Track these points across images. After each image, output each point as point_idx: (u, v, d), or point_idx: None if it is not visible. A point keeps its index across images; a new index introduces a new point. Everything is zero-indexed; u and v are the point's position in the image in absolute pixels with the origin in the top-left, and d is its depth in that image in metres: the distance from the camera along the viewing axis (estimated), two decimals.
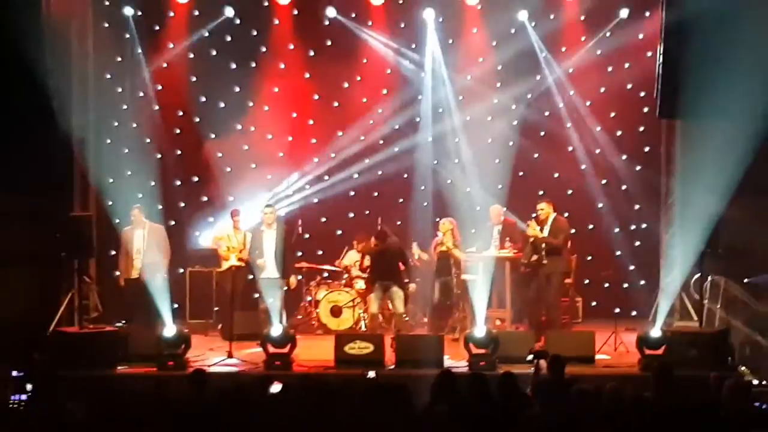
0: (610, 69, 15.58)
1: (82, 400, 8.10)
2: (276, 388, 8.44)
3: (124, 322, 13.27)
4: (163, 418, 7.77)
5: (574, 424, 7.34)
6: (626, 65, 15.52)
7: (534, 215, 13.77)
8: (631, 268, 15.56)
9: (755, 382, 10.74)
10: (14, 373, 9.43)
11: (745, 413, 7.68)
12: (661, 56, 10.68)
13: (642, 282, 15.31)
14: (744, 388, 8.22)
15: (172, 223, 15.40)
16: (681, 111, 10.75)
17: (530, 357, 9.83)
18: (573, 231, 14.08)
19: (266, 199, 15.22)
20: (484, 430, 7.40)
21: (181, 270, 15.02)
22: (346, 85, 16.16)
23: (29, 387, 8.89)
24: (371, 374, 10.04)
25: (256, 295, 14.00)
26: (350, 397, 8.12)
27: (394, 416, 7.49)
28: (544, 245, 13.33)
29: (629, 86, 15.50)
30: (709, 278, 13.14)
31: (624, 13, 15.30)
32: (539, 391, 8.89)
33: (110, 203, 14.77)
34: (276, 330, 12.11)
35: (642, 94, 15.19)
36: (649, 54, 14.57)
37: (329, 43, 16.08)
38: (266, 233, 13.57)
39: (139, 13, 15.49)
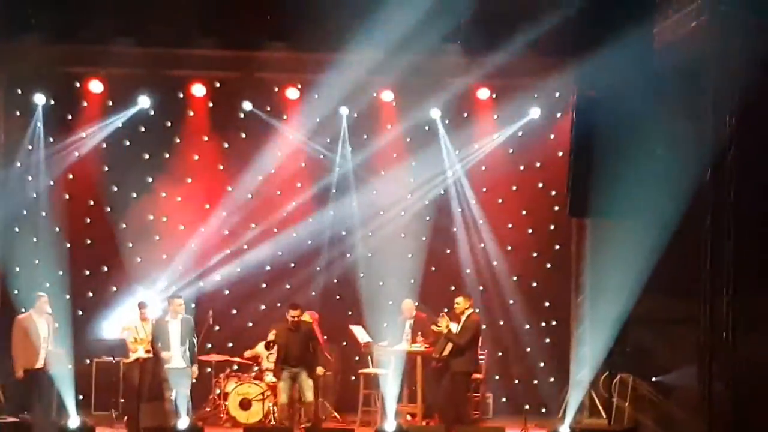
0: (522, 167, 15.92)
1: None
2: None
3: (26, 412, 12.85)
4: None
5: None
6: (537, 164, 15.88)
7: (446, 310, 13.88)
8: (542, 364, 15.70)
9: None
10: None
11: None
12: (572, 156, 10.94)
13: (552, 379, 15.46)
14: None
15: (80, 312, 15.17)
16: (590, 210, 10.97)
17: None
18: (484, 327, 14.19)
19: (175, 288, 15.10)
20: None
21: (87, 361, 14.71)
22: (259, 177, 16.16)
23: None
24: None
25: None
26: None
27: None
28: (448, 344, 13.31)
29: (540, 185, 15.84)
30: (618, 376, 13.32)
31: (535, 113, 15.60)
32: None
33: (16, 292, 14.48)
34: (183, 422, 11.92)
35: (553, 192, 15.51)
36: (560, 154, 14.97)
37: (244, 135, 16.12)
38: (171, 323, 13.31)
39: (51, 102, 15.36)
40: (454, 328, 13.39)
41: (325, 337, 14.61)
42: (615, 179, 10.47)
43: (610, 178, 10.47)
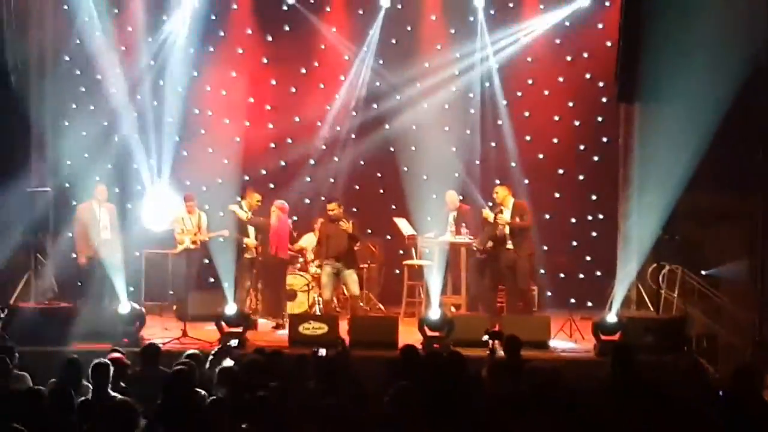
0: (569, 58, 15.66)
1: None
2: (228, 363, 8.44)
3: (79, 299, 13.11)
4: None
5: (527, 401, 7.31)
6: (585, 54, 15.59)
7: (490, 204, 13.89)
8: (588, 258, 15.67)
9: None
10: None
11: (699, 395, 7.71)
12: (621, 41, 10.76)
13: (598, 273, 15.40)
14: (699, 370, 8.24)
15: (129, 205, 15.32)
16: (640, 95, 10.84)
17: (485, 337, 9.85)
18: None
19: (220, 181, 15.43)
20: (438, 408, 7.36)
21: (137, 253, 14.92)
22: (303, 71, 16.15)
23: None
24: (322, 351, 10.04)
25: (212, 280, 14.09)
26: (302, 371, 8.16)
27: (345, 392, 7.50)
28: (508, 230, 13.33)
29: (588, 76, 15.59)
30: (666, 267, 13.25)
31: (583, 0, 15.31)
32: (494, 372, 8.90)
33: (67, 185, 14.66)
34: (231, 309, 12.11)
35: (601, 84, 15.28)
36: (609, 44, 14.71)
37: (287, 28, 16.04)
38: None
39: None
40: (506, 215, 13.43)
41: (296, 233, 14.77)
42: (664, 65, 10.34)
43: (660, 63, 10.34)
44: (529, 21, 15.71)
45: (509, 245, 13.45)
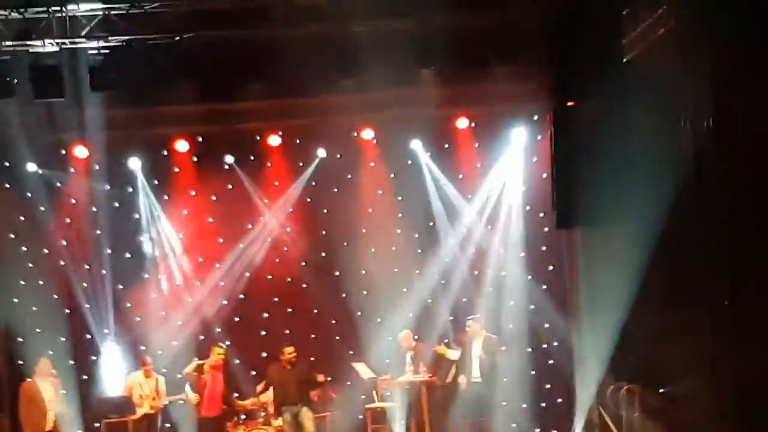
0: (507, 193, 16.03)
1: None
2: None
3: None
4: None
5: None
6: (523, 188, 16.00)
7: (445, 340, 14.05)
8: (548, 386, 15.74)
9: None
10: None
11: None
12: (554, 169, 11.08)
13: (559, 400, 15.45)
14: None
15: (84, 377, 15.22)
16: (577, 220, 11.11)
17: None
18: None
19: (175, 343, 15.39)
20: None
21: (96, 424, 14.74)
22: (249, 226, 16.33)
23: None
24: None
25: None
26: None
27: None
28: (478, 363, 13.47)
29: (528, 207, 15.96)
30: (624, 387, 13.33)
31: (517, 137, 15.79)
32: None
33: (21, 362, 14.56)
34: None
35: (541, 214, 15.60)
36: (544, 175, 15.14)
37: (230, 186, 16.28)
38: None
39: (40, 171, 15.52)
40: (454, 354, 13.59)
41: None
42: (598, 188, 10.60)
43: (594, 187, 10.61)
44: (465, 160, 16.13)
45: (477, 378, 13.53)
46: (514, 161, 15.91)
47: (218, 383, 14.03)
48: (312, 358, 15.22)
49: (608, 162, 10.62)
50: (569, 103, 10.84)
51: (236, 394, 14.80)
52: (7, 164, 15.26)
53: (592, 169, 10.68)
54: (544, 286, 15.94)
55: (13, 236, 15.28)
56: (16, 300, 14.99)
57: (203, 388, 13.91)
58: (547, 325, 15.88)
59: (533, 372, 15.83)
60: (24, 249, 15.42)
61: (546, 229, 15.59)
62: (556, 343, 15.75)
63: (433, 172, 16.14)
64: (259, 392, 14.46)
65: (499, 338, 15.14)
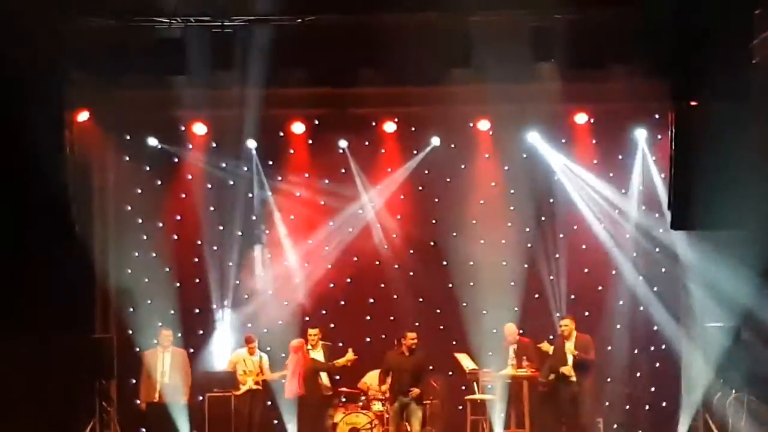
0: (623, 191, 15.79)
1: None
2: None
3: None
4: None
5: None
6: (640, 188, 15.73)
7: (550, 337, 13.93)
8: (652, 389, 15.50)
9: None
10: None
11: None
12: (672, 168, 10.85)
13: (664, 403, 15.19)
14: None
15: (191, 350, 15.50)
16: (694, 222, 10.85)
17: None
18: None
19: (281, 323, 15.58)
20: None
21: (201, 397, 15.03)
22: (360, 211, 16.40)
23: None
24: None
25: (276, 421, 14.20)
26: None
27: None
28: (571, 362, 13.33)
29: (643, 208, 15.69)
30: (732, 395, 13.08)
31: (638, 135, 15.55)
32: None
33: (130, 332, 14.92)
34: None
35: (656, 215, 15.36)
36: (663, 176, 14.92)
37: (343, 171, 16.39)
38: (312, 353, 14.21)
39: (159, 145, 15.83)
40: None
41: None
42: (717, 191, 10.35)
43: (712, 189, 10.36)
44: (581, 156, 15.93)
45: (572, 378, 13.47)
46: (633, 160, 15.59)
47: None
48: None
49: (729, 165, 10.36)
50: (692, 104, 10.59)
51: (338, 377, 14.99)
52: (128, 137, 15.58)
53: (712, 172, 10.42)
54: (655, 288, 15.63)
55: (129, 208, 15.59)
56: (129, 271, 15.32)
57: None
58: (655, 328, 15.60)
59: (639, 374, 15.60)
60: (139, 221, 15.72)
61: (661, 231, 15.29)
62: (663, 347, 15.47)
63: (550, 165, 15.92)
64: (380, 379, 14.54)
65: (609, 338, 14.99)
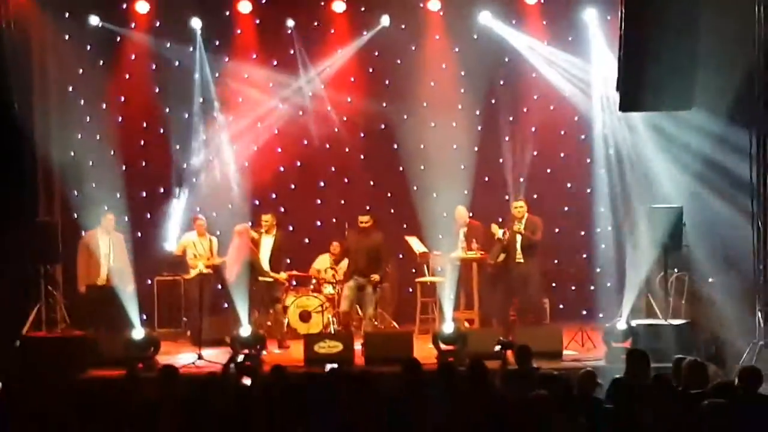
0: (572, 72, 15.65)
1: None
2: (246, 382, 8.49)
3: (91, 327, 13.19)
4: (135, 415, 7.78)
5: (539, 406, 7.36)
6: (588, 68, 15.55)
7: (499, 219, 14.01)
8: (598, 270, 15.67)
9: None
10: None
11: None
12: (621, 50, 10.79)
13: (608, 284, 15.36)
14: (700, 366, 8.28)
15: (139, 234, 15.39)
16: (642, 103, 10.85)
17: (497, 347, 9.89)
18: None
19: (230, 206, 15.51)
20: (455, 416, 7.44)
21: (149, 281, 15.00)
22: (309, 94, 16.20)
23: None
24: (329, 366, 10.12)
25: (225, 305, 14.22)
26: (318, 386, 8.18)
27: (362, 402, 7.56)
28: (520, 243, 13.48)
29: (591, 91, 15.53)
30: (674, 275, 13.28)
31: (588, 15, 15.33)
32: (506, 380, 8.99)
33: (75, 216, 14.74)
34: (245, 330, 12.20)
35: (605, 97, 15.23)
36: (611, 57, 14.78)
37: (291, 52, 16.10)
38: (264, 238, 13.93)
39: (101, 24, 15.38)
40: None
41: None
42: (666, 72, 10.34)
43: (661, 70, 10.34)
44: (532, 36, 15.75)
45: (519, 258, 13.60)
46: (583, 41, 15.41)
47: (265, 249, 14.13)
48: None
49: (678, 45, 10.34)
50: None
51: (288, 261, 14.99)
52: (67, 15, 15.09)
53: (661, 52, 10.40)
54: (602, 170, 15.67)
55: (71, 89, 15.18)
56: (72, 153, 15.01)
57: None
58: (602, 209, 15.70)
59: (585, 255, 15.76)
60: (81, 102, 15.30)
61: (609, 112, 15.24)
62: (609, 228, 15.61)
63: (501, 46, 15.72)
64: (335, 258, 14.58)
65: (557, 220, 15.11)
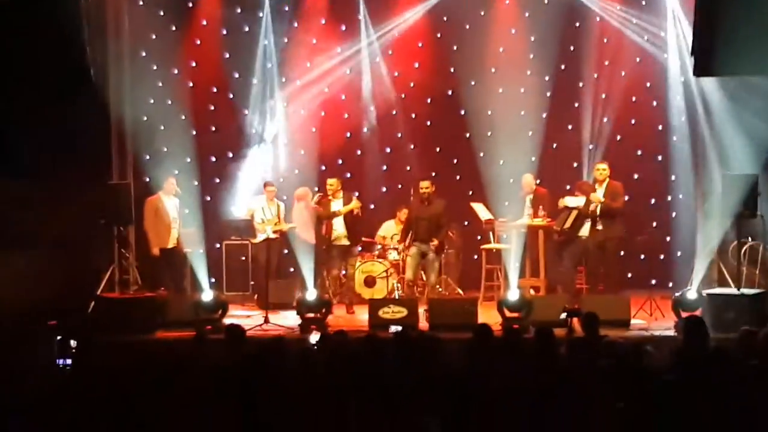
0: (645, 38, 15.41)
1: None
2: (314, 338, 8.55)
3: (161, 288, 13.41)
4: (203, 376, 7.87)
5: (606, 376, 7.30)
6: (662, 34, 15.25)
7: (567, 187, 13.90)
8: (668, 239, 15.49)
9: None
10: (58, 338, 9.49)
11: None
12: (697, 14, 10.59)
13: (679, 253, 15.17)
14: None
15: (208, 198, 15.56)
16: (717, 67, 10.64)
17: (563, 315, 9.85)
18: None
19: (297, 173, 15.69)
20: (521, 384, 7.40)
21: (218, 245, 15.16)
22: (377, 59, 16.17)
23: (73, 346, 9.01)
24: (394, 328, 10.11)
25: (292, 269, 14.32)
26: (384, 349, 8.19)
27: (427, 367, 7.56)
28: (599, 209, 13.37)
29: (665, 55, 15.32)
30: (748, 244, 13.08)
31: None
32: (572, 348, 8.90)
33: (147, 179, 14.92)
34: (311, 295, 12.30)
35: (679, 62, 15.01)
36: (686, 22, 14.51)
37: (359, 17, 16.05)
38: (333, 203, 14.03)
39: None
40: (574, 201, 13.50)
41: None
42: (744, 36, 10.13)
43: (739, 35, 10.13)
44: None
45: (599, 226, 13.43)
46: (658, 6, 15.14)
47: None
48: None
49: (755, 8, 10.12)
50: None
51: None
52: None
53: (735, 17, 10.20)
54: (675, 138, 15.45)
55: (144, 54, 15.32)
56: (145, 118, 15.16)
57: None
58: (673, 177, 15.51)
59: (654, 224, 15.56)
60: (154, 67, 15.43)
61: (682, 79, 15.01)
62: (681, 196, 15.41)
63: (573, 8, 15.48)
64: (404, 226, 14.54)
65: (627, 188, 14.89)
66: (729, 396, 6.78)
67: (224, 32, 15.93)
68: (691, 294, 12.01)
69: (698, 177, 14.63)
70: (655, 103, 15.62)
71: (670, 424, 6.69)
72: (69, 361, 9.00)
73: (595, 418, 6.60)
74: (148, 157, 15.02)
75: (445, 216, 13.74)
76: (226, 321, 11.93)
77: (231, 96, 15.96)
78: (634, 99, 15.68)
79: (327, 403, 6.92)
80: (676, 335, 11.46)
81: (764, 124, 12.76)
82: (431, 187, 13.64)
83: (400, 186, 16.00)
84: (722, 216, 12.84)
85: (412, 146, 16.28)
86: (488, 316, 12.27)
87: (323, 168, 15.89)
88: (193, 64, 15.87)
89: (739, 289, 12.31)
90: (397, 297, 13.88)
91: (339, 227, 14.01)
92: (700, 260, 13.03)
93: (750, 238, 13.06)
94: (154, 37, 15.34)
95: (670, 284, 14.61)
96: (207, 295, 12.44)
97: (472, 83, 15.98)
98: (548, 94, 15.85)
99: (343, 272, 14.37)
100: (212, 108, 16.00)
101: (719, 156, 13.87)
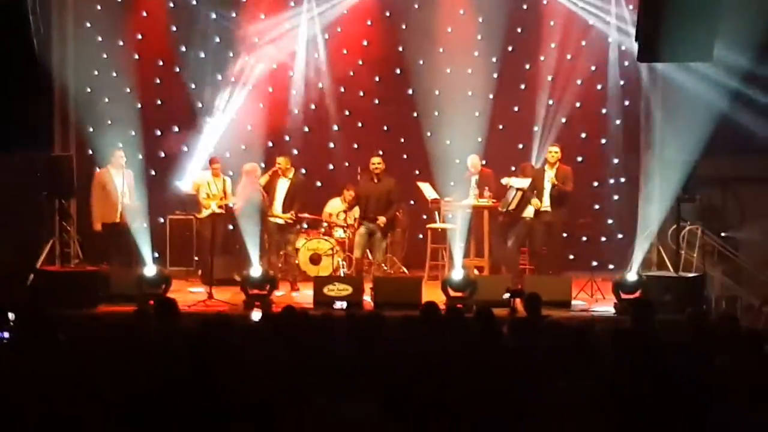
0: (591, 22, 15.53)
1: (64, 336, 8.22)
2: (256, 315, 8.55)
3: (104, 263, 13.30)
4: (144, 351, 7.83)
5: (547, 355, 7.39)
6: (608, 19, 15.42)
7: (512, 168, 13.97)
8: (609, 221, 15.70)
9: None
10: None
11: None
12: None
13: (620, 236, 15.37)
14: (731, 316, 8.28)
15: (153, 172, 15.44)
16: (660, 54, 10.74)
17: (506, 295, 9.96)
18: None
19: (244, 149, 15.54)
20: (461, 361, 7.46)
21: (161, 219, 15.07)
22: (326, 36, 16.13)
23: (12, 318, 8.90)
24: (338, 305, 10.13)
25: (237, 246, 14.29)
26: (329, 327, 8.22)
27: (370, 342, 7.60)
28: (548, 192, 13.50)
29: (610, 39, 15.47)
30: (687, 227, 13.30)
31: None
32: (514, 329, 8.99)
33: (90, 152, 14.78)
34: (256, 271, 12.28)
35: (623, 47, 15.20)
36: (630, 7, 14.67)
37: None
38: (280, 181, 13.99)
39: None
40: (519, 183, 13.61)
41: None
42: (687, 24, 10.23)
43: (682, 22, 10.23)
44: None
45: (546, 207, 13.55)
46: None
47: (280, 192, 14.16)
48: None
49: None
50: None
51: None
52: None
53: (682, 3, 10.29)
54: (618, 122, 15.63)
55: (89, 25, 15.14)
56: (89, 90, 15.00)
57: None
58: (616, 161, 15.70)
59: (597, 206, 15.75)
60: (99, 39, 15.27)
61: (626, 63, 15.20)
62: (623, 180, 15.61)
63: None
64: (349, 204, 14.57)
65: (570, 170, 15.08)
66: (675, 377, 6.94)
67: (171, 5, 15.82)
68: (631, 276, 12.22)
69: (639, 161, 14.84)
70: (599, 87, 15.76)
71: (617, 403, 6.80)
72: (6, 335, 8.88)
73: (537, 397, 6.67)
74: (91, 129, 14.90)
75: (395, 192, 13.74)
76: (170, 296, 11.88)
77: (177, 69, 15.80)
78: (579, 82, 15.80)
79: (271, 381, 6.92)
80: (616, 316, 11.65)
81: (704, 109, 12.91)
82: (382, 164, 13.62)
83: (347, 164, 16.00)
84: (662, 200, 13.04)
85: (359, 124, 16.29)
86: (433, 295, 12.28)
87: (270, 144, 15.87)
88: (139, 37, 15.72)
89: (677, 272, 12.51)
90: (342, 275, 13.90)
91: (278, 204, 14.01)
92: (640, 243, 13.22)
93: (689, 222, 13.27)
94: (99, 8, 15.20)
95: (611, 266, 14.80)
96: (150, 270, 12.39)
97: (420, 62, 16.02)
98: (495, 75, 15.93)
99: (282, 252, 14.34)
100: (158, 81, 15.86)
101: (660, 140, 14.07)
